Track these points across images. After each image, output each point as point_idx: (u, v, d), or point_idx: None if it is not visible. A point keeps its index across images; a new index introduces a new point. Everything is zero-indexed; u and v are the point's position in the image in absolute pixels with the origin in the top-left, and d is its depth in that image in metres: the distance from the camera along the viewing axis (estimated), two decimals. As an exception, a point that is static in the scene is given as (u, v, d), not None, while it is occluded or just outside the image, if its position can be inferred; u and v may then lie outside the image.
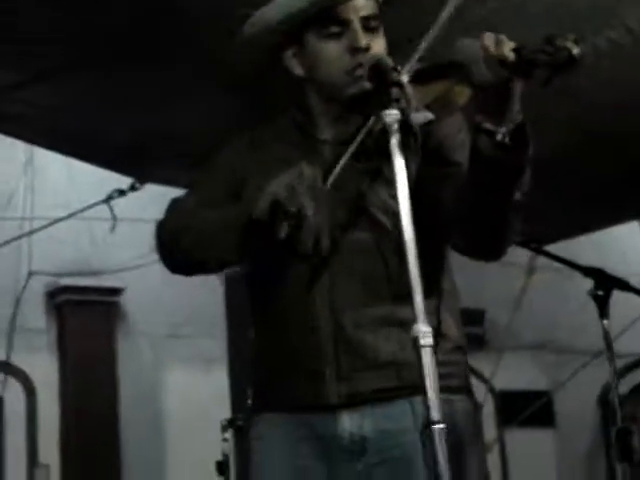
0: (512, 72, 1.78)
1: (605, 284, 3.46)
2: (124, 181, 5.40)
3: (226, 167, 2.24)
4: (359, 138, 2.02)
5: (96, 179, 6.07)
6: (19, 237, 6.82)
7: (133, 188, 5.34)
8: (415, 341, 1.75)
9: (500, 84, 1.81)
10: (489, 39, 1.80)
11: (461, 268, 2.26)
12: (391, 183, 1.85)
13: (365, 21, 2.11)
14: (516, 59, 1.76)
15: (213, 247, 2.12)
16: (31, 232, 6.81)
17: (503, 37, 1.80)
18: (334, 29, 2.10)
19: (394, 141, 1.83)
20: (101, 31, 3.68)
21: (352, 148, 2.02)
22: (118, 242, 7.04)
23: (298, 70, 2.19)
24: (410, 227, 1.79)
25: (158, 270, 2.35)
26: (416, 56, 2.00)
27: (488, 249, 2.09)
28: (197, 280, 2.50)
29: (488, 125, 1.87)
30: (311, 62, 2.15)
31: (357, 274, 2.06)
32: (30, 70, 4.02)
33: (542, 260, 4.99)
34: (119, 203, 5.68)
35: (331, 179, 2.01)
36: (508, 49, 1.78)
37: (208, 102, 4.17)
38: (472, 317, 7.72)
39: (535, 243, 3.93)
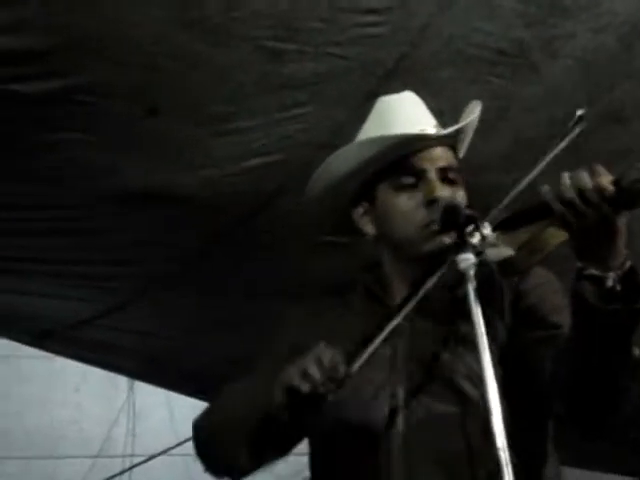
0: (613, 205, 1.56)
1: None
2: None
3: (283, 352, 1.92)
4: (428, 284, 1.76)
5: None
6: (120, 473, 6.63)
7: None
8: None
9: (600, 221, 1.57)
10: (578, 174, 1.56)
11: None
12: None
13: (443, 172, 1.90)
14: (617, 191, 1.54)
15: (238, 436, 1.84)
16: (131, 467, 6.67)
17: (599, 168, 1.57)
18: (408, 180, 1.89)
19: (471, 289, 1.62)
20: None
21: (415, 299, 1.77)
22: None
23: (369, 229, 1.95)
24: (496, 395, 1.56)
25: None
26: (504, 202, 1.77)
27: (594, 421, 1.73)
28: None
29: (593, 271, 1.59)
30: (383, 218, 1.92)
31: (435, 454, 1.77)
32: (109, 300, 3.91)
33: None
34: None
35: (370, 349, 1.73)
36: (607, 181, 1.55)
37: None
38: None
39: None
